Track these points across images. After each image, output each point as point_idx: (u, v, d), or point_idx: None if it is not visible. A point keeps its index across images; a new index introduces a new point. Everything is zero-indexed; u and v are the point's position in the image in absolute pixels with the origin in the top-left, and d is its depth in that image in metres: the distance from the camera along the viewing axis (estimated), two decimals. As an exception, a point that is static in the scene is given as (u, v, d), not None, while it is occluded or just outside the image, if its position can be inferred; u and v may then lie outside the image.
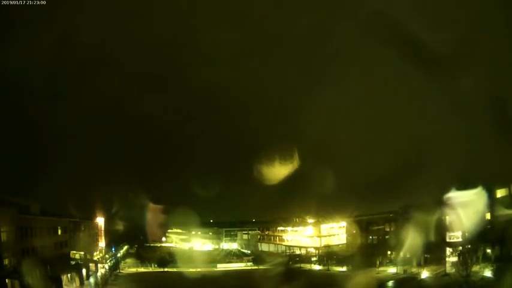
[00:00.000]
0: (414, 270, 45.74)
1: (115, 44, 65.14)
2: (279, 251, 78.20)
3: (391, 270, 49.21)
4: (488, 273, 36.44)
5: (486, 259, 39.54)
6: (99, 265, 57.83)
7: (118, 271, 59.09)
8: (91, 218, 63.90)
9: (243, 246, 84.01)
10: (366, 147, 67.29)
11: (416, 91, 62.33)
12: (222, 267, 65.53)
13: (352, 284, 43.17)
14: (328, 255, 61.53)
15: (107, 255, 66.77)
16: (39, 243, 42.43)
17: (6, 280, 33.66)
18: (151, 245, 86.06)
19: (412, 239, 45.01)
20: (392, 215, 57.59)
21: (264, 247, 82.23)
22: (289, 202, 66.56)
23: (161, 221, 70.12)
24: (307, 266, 62.40)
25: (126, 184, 57.92)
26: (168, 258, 65.19)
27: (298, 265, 62.95)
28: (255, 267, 63.98)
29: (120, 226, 69.02)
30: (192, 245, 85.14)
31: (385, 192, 57.23)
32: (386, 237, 57.89)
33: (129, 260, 71.19)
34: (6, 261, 35.42)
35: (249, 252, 79.24)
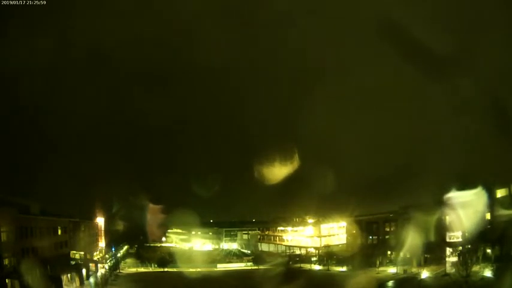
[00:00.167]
0: (414, 270, 45.71)
1: (115, 44, 65.17)
2: (279, 251, 78.18)
3: (391, 270, 49.19)
4: (488, 273, 36.42)
5: (486, 259, 39.53)
6: (99, 265, 57.83)
7: (118, 271, 59.07)
8: (91, 218, 63.89)
9: (243, 246, 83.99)
10: (366, 147, 67.37)
11: (417, 91, 62.42)
12: (222, 267, 65.50)
13: (352, 284, 43.21)
14: (328, 255, 61.50)
15: (107, 255, 66.76)
16: (39, 243, 42.39)
17: (6, 280, 33.67)
18: (151, 245, 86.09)
19: (412, 239, 45.02)
20: (392, 215, 57.59)
21: (264, 247, 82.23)
22: (289, 202, 66.62)
23: (161, 221, 70.22)
24: (307, 266, 62.38)
25: (126, 184, 57.98)
26: (168, 258, 65.15)
27: (298, 265, 62.93)
28: (255, 267, 63.95)
29: (120, 226, 69.08)
30: (192, 245, 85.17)
31: (385, 192, 57.26)
32: (387, 237, 57.90)
33: (129, 260, 71.16)
34: (6, 261, 35.39)
35: (249, 252, 79.22)
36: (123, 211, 65.77)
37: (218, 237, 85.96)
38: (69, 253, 52.04)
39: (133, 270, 63.73)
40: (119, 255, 73.12)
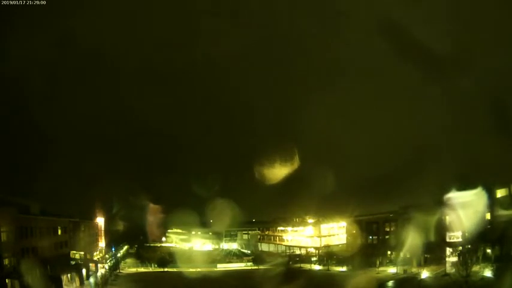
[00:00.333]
0: (414, 270, 45.73)
1: (115, 44, 65.19)
2: (279, 251, 78.18)
3: (391, 270, 49.20)
4: (488, 273, 36.43)
5: (486, 259, 39.54)
6: (99, 265, 57.82)
7: (118, 271, 59.06)
8: (91, 218, 63.89)
9: (243, 246, 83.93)
10: (366, 148, 67.34)
11: (416, 91, 62.40)
12: (222, 267, 65.49)
13: (352, 284, 43.21)
14: (328, 255, 61.52)
15: (107, 255, 66.74)
16: (39, 243, 42.41)
17: (6, 280, 33.66)
18: (151, 245, 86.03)
19: (412, 239, 45.04)
20: (392, 215, 57.60)
21: (264, 247, 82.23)
22: (289, 202, 66.60)
23: (161, 221, 70.16)
24: (307, 266, 62.39)
25: (126, 184, 57.94)
26: (168, 258, 65.13)
27: (298, 265, 62.93)
28: (255, 267, 63.95)
29: (120, 226, 69.08)
30: (192, 245, 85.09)
31: (385, 192, 57.25)
32: (386, 237, 57.91)
33: (129, 260, 71.14)
34: (6, 261, 35.38)
35: (249, 252, 79.18)
36: (123, 211, 65.79)
37: (218, 237, 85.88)
38: (69, 253, 52.05)
39: (133, 270, 63.72)
40: (119, 255, 73.09)
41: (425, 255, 47.15)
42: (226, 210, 59.65)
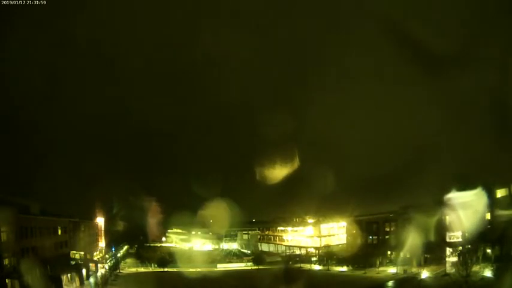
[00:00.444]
0: (414, 270, 45.73)
1: (115, 43, 65.17)
2: (279, 251, 78.22)
3: (391, 270, 49.20)
4: (488, 273, 36.43)
5: (486, 259, 39.54)
6: (99, 265, 57.83)
7: (118, 271, 59.05)
8: (91, 218, 63.91)
9: (243, 246, 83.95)
10: (366, 148, 67.31)
11: (416, 91, 62.32)
12: (222, 267, 65.49)
13: (352, 284, 43.22)
14: (328, 255, 61.52)
15: (107, 255, 66.76)
16: (39, 243, 42.44)
17: (6, 280, 33.67)
18: (151, 245, 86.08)
19: (412, 239, 45.04)
20: (392, 215, 57.63)
21: (264, 247, 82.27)
22: (289, 202, 66.58)
23: (161, 221, 70.16)
24: (307, 266, 62.39)
25: (126, 184, 57.91)
26: (168, 258, 65.11)
27: (298, 265, 62.94)
28: (255, 267, 63.95)
29: (120, 226, 69.07)
30: (192, 245, 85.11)
31: (385, 192, 57.22)
32: (386, 237, 57.93)
33: (129, 260, 71.15)
34: (6, 261, 35.41)
35: (249, 252, 79.18)
36: (123, 211, 65.79)
37: (218, 237, 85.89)
38: (69, 253, 52.07)
39: (133, 270, 63.73)
40: (119, 255, 73.11)
41: (425, 255, 47.16)
42: (226, 210, 59.64)
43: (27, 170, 57.31)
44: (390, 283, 42.91)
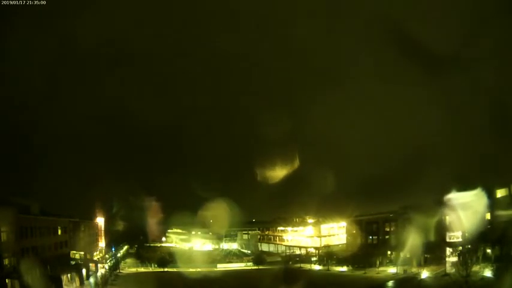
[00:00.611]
0: (414, 270, 45.68)
1: (115, 44, 65.18)
2: (279, 251, 78.23)
3: (391, 270, 49.16)
4: (488, 273, 36.40)
5: (486, 259, 39.51)
6: (99, 265, 57.78)
7: (118, 271, 59.00)
8: (91, 218, 63.90)
9: (243, 246, 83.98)
10: (366, 148, 67.37)
11: (416, 92, 62.39)
12: (222, 267, 65.47)
13: (352, 284, 43.18)
14: (328, 255, 61.47)
15: (107, 255, 66.72)
16: (39, 243, 42.46)
17: (6, 280, 33.66)
18: (151, 245, 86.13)
19: (412, 239, 45.02)
20: (392, 215, 57.57)
21: (264, 247, 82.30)
22: (289, 202, 66.66)
23: (161, 221, 70.19)
24: (307, 266, 62.36)
25: (126, 184, 57.97)
26: (168, 258, 65.08)
27: (298, 265, 62.91)
28: (255, 267, 63.95)
29: (120, 226, 69.09)
30: (192, 245, 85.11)
31: (385, 192, 57.28)
32: (386, 237, 57.88)
33: (129, 260, 71.11)
34: (6, 261, 35.41)
35: (249, 252, 79.20)
36: (123, 211, 65.82)
37: (218, 237, 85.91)
38: (69, 253, 52.06)
39: (133, 270, 63.70)
40: (119, 255, 73.07)
41: (425, 255, 47.11)
42: (226, 210, 59.65)
43: (27, 170, 57.40)
44: (390, 283, 42.88)
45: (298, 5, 61.31)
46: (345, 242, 68.33)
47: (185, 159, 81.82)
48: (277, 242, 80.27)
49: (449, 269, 41.00)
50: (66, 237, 52.08)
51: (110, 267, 59.03)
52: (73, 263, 51.03)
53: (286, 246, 77.48)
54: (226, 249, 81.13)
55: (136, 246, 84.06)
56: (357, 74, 68.38)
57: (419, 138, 61.63)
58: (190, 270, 57.59)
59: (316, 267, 61.59)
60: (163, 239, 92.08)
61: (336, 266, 58.18)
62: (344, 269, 55.95)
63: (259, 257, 68.53)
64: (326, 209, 67.37)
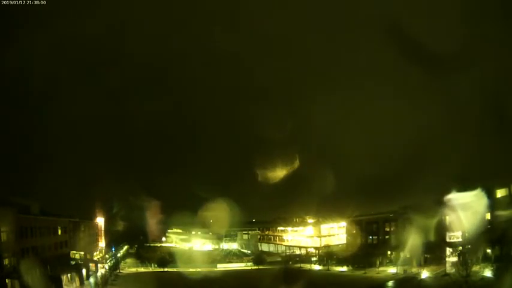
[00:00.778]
0: (414, 270, 45.68)
1: (115, 44, 65.21)
2: (279, 251, 78.23)
3: (391, 270, 49.17)
4: (488, 273, 36.40)
5: (486, 259, 39.49)
6: (99, 265, 57.79)
7: (118, 271, 59.01)
8: (91, 218, 63.90)
9: (243, 246, 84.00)
10: (366, 148, 67.36)
11: (416, 92, 62.41)
12: (222, 267, 65.47)
13: (352, 284, 43.16)
14: (328, 255, 61.49)
15: (107, 255, 66.73)
16: (39, 243, 42.45)
17: (6, 280, 33.66)
18: (151, 245, 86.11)
19: (412, 239, 45.03)
20: (392, 215, 57.56)
21: (264, 247, 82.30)
22: (289, 202, 66.65)
23: (161, 221, 70.16)
24: (307, 266, 62.37)
25: (126, 184, 57.97)
26: (168, 258, 65.09)
27: (298, 265, 62.92)
28: (255, 267, 63.96)
29: (120, 226, 69.06)
30: (192, 245, 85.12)
31: (385, 192, 57.28)
32: (386, 237, 57.88)
33: (129, 260, 71.13)
34: (6, 261, 35.39)
35: (249, 252, 79.21)
36: (123, 211, 65.80)
37: (218, 237, 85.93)
38: (69, 253, 52.05)
39: (133, 270, 63.71)
40: (119, 255, 73.08)
41: (425, 255, 47.09)
42: (226, 210, 59.65)
43: (27, 170, 57.41)
44: (390, 283, 42.88)
45: (298, 5, 61.34)
46: (345, 242, 68.32)
47: (185, 159, 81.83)
48: (277, 242, 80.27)
49: (449, 269, 41.00)
50: (66, 237, 52.07)
51: (110, 267, 59.05)
52: (73, 263, 51.02)
53: (286, 246, 77.48)
54: (226, 249, 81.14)
55: (136, 246, 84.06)
56: (357, 74, 68.38)
57: (419, 138, 61.62)
58: (190, 270, 57.60)
59: (316, 267, 61.61)
60: (163, 239, 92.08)
61: (336, 266, 58.19)
62: (344, 269, 55.96)
63: (259, 257, 68.54)
64: (326, 209, 67.45)
